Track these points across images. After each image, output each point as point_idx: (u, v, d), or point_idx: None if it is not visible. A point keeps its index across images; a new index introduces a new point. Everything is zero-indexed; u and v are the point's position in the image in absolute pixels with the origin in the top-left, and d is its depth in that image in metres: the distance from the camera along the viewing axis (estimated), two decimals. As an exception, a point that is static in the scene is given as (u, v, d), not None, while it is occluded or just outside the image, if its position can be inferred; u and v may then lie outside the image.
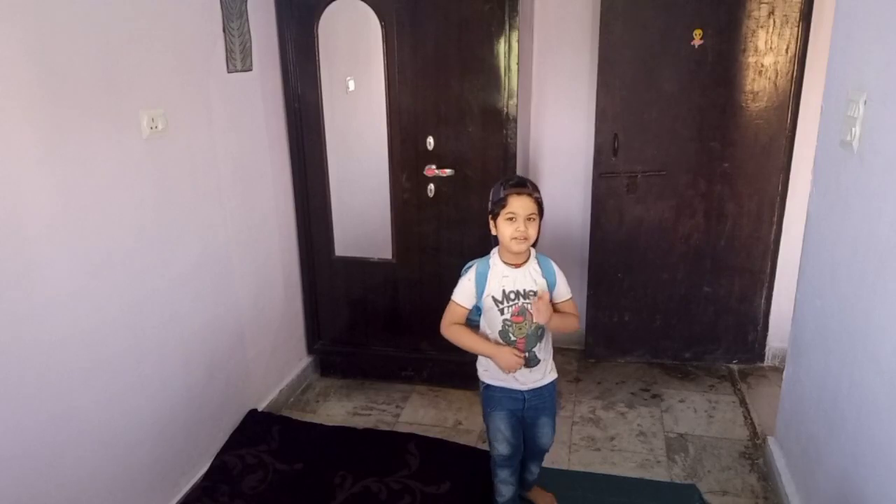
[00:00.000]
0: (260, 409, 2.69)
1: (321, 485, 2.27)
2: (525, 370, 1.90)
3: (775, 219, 2.97)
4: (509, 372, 1.88)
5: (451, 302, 1.92)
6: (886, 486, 1.46)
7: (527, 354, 1.88)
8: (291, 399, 2.98)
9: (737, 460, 2.49)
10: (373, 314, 3.04)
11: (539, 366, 1.92)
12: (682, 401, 2.91)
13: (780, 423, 2.36)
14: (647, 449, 2.56)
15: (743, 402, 2.88)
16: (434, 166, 2.75)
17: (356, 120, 2.87)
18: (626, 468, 2.45)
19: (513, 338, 1.87)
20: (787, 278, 2.91)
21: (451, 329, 1.92)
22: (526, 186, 1.80)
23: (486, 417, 2.00)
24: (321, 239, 2.97)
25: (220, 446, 2.44)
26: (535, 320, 1.84)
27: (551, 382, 1.98)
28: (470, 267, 1.92)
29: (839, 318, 1.80)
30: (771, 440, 2.41)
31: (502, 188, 1.81)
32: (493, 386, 1.96)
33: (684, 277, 3.10)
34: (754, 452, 2.53)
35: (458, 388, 2.99)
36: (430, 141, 2.72)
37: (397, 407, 2.91)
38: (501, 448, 1.97)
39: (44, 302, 1.67)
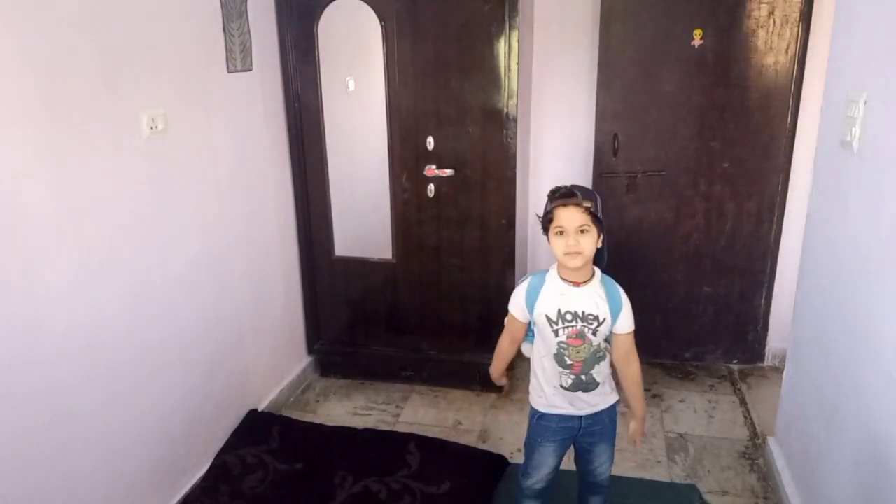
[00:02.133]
0: (260, 409, 2.69)
1: (321, 485, 2.27)
2: (584, 395, 1.73)
3: (775, 219, 2.97)
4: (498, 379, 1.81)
5: (509, 313, 1.78)
6: (886, 487, 1.46)
7: (583, 378, 1.72)
8: (291, 399, 2.98)
9: (737, 460, 2.49)
10: (373, 314, 3.04)
11: (597, 389, 1.74)
12: (682, 401, 2.90)
13: (780, 423, 2.36)
14: (647, 449, 2.56)
15: (743, 402, 2.88)
16: (434, 166, 2.75)
17: (356, 120, 2.87)
18: (626, 468, 2.45)
19: (569, 361, 1.70)
20: (787, 278, 2.91)
21: (501, 344, 1.84)
22: (574, 196, 1.62)
23: (532, 446, 1.83)
24: (321, 239, 2.97)
25: (220, 446, 2.44)
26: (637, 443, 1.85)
27: (612, 406, 1.79)
28: (526, 278, 1.77)
29: (839, 318, 1.79)
30: (771, 440, 2.41)
31: (549, 201, 1.66)
32: (548, 415, 1.77)
33: (684, 277, 3.10)
34: (754, 452, 2.53)
35: (458, 388, 2.99)
36: (430, 141, 2.72)
37: (397, 407, 2.91)
38: (538, 480, 1.83)
39: (43, 301, 1.67)
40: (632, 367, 1.75)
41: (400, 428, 2.72)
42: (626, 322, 1.70)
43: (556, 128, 3.16)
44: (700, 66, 2.82)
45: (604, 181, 3.00)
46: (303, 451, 2.44)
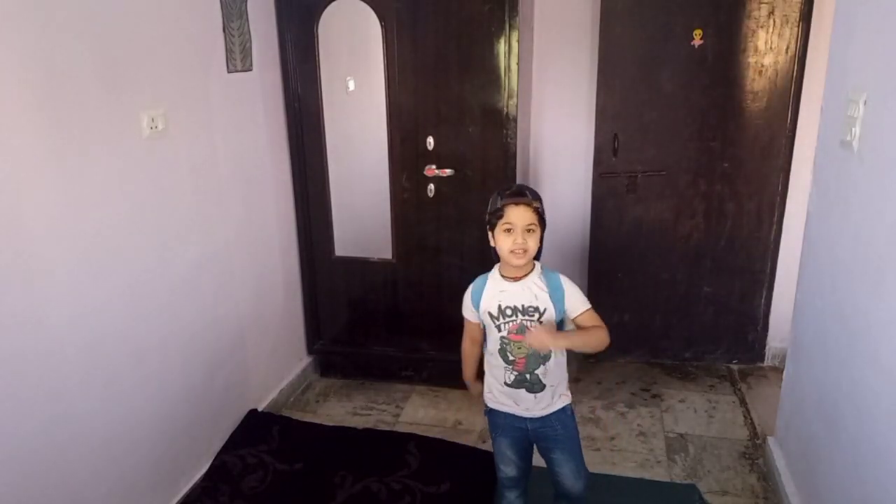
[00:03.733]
0: (260, 409, 2.69)
1: (321, 485, 2.27)
2: (527, 395, 1.74)
3: (775, 219, 2.97)
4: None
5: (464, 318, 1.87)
6: (886, 486, 1.46)
7: (528, 377, 1.73)
8: (291, 399, 2.98)
9: (737, 460, 2.49)
10: (373, 314, 3.04)
11: (544, 392, 1.74)
12: (682, 401, 2.90)
13: (780, 423, 2.36)
14: (647, 449, 2.56)
15: (743, 402, 2.88)
16: (434, 166, 2.75)
17: (356, 120, 2.87)
18: (626, 468, 2.45)
19: (511, 357, 1.72)
20: (787, 278, 2.91)
21: (464, 347, 1.90)
22: (524, 196, 1.67)
23: (492, 441, 1.88)
24: (321, 239, 2.97)
25: (220, 446, 2.44)
26: (530, 346, 1.67)
27: (560, 410, 1.78)
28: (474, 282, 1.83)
29: (839, 318, 1.79)
30: (771, 440, 2.41)
31: (499, 198, 1.68)
32: (495, 411, 1.83)
33: (684, 277, 3.10)
34: (754, 452, 2.53)
35: (458, 388, 2.97)
36: (430, 141, 2.72)
37: (397, 407, 2.91)
38: (507, 470, 1.87)
39: (44, 302, 1.68)
40: (600, 330, 1.70)
41: (400, 428, 2.72)
42: (576, 303, 1.71)
43: (556, 128, 3.16)
44: (700, 66, 2.82)
45: (604, 181, 3.01)
46: (303, 451, 2.44)
